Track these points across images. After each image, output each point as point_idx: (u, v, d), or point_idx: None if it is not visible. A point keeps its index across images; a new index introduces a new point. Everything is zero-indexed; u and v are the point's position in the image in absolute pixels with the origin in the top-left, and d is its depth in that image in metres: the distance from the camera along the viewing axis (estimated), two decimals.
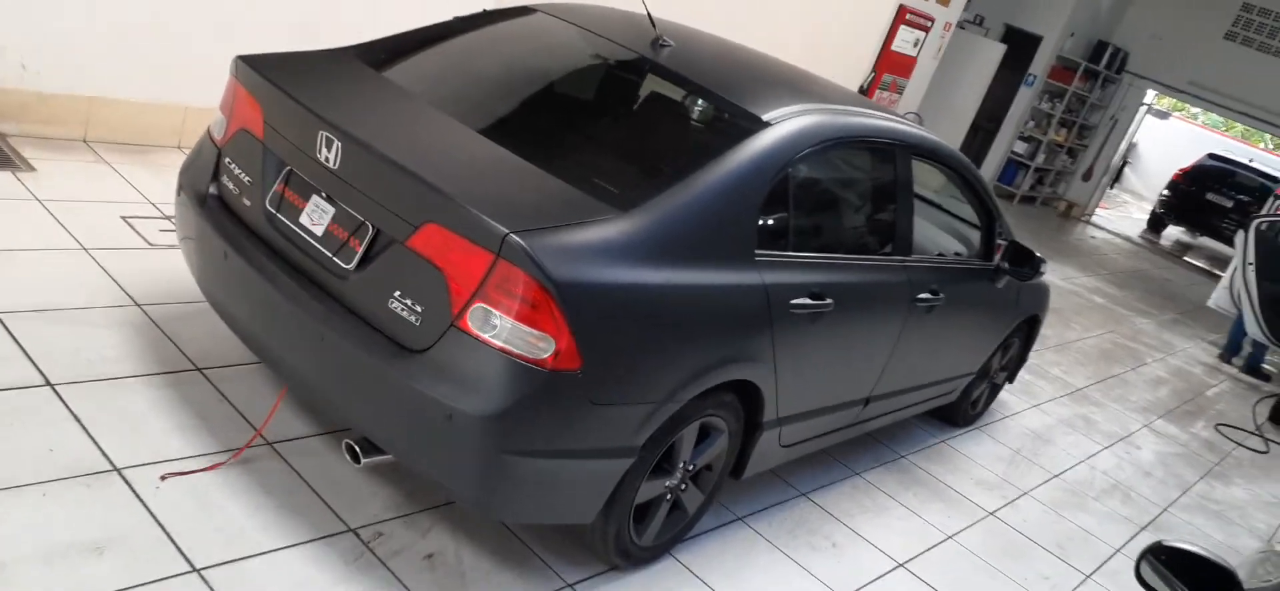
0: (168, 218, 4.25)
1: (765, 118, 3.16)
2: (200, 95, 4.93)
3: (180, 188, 3.24)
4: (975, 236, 4.62)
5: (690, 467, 3.10)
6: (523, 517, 2.67)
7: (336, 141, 2.70)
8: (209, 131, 3.25)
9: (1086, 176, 15.76)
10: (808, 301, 3.24)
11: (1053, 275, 10.14)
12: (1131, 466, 5.58)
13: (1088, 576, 4.11)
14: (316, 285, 2.75)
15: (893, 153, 3.77)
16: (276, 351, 2.87)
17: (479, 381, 2.47)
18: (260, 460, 2.96)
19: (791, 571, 3.39)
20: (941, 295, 4.10)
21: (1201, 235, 18.11)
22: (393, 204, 2.63)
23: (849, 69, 9.52)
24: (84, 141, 4.75)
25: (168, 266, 3.84)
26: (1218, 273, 15.06)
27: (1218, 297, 9.40)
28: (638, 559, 3.09)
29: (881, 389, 4.02)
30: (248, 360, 3.41)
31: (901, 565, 3.67)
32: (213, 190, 3.11)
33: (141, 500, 2.63)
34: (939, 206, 4.92)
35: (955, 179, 4.38)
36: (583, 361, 2.51)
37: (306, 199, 2.84)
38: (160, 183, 4.56)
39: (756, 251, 3.06)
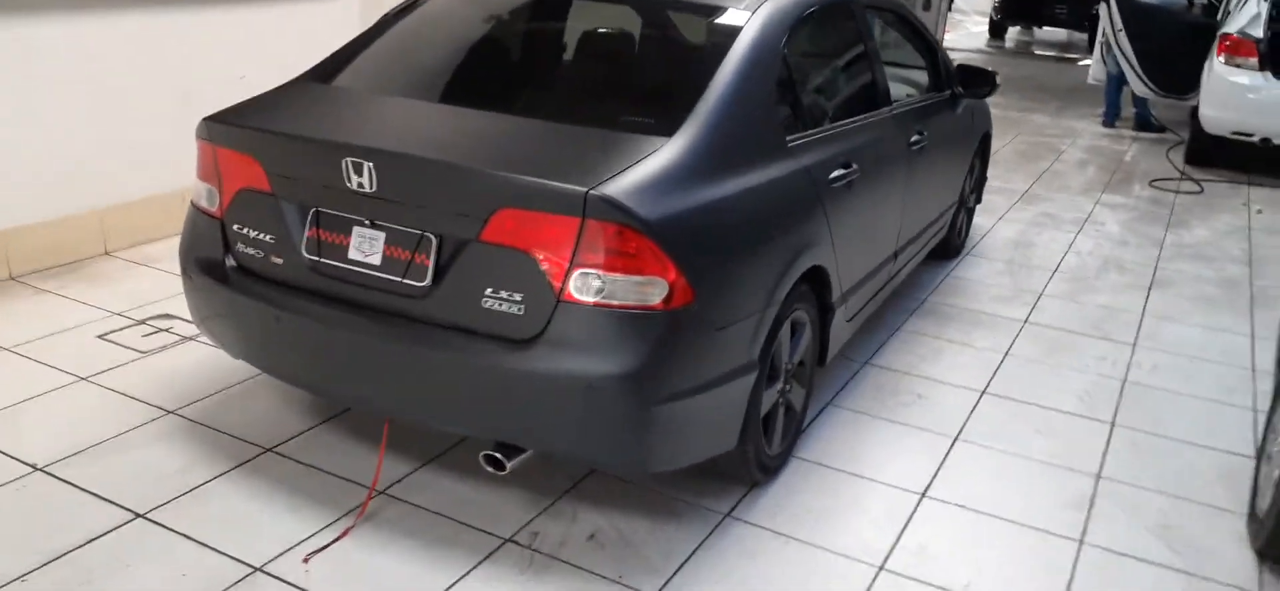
0: (142, 322, 3.97)
1: (744, 6, 3.14)
2: (107, 194, 4.72)
3: (187, 271, 3.03)
4: (924, 71, 4.72)
5: (789, 367, 3.10)
6: (675, 463, 2.63)
7: (367, 164, 2.55)
8: (196, 207, 3.03)
9: (925, 7, 16.23)
10: (841, 172, 3.26)
11: None
12: (1107, 240, 5.86)
13: (1134, 345, 4.32)
14: (394, 315, 2.61)
15: (852, 10, 3.82)
16: (368, 394, 2.73)
17: (606, 345, 2.40)
18: (383, 510, 2.81)
19: (899, 432, 3.44)
20: (927, 133, 4.19)
21: (1038, 27, 19.02)
22: (451, 205, 2.51)
23: None
24: (11, 278, 4.37)
25: (172, 366, 3.60)
26: (1069, 56, 15.86)
27: (1096, 72, 9.90)
28: (773, 470, 3.08)
29: (903, 238, 4.10)
30: (309, 424, 3.23)
31: (985, 392, 3.78)
32: (231, 262, 2.91)
33: (297, 588, 2.48)
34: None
35: (892, 20, 4.46)
36: (695, 292, 2.47)
37: (348, 233, 2.67)
38: (107, 292, 4.25)
39: (787, 138, 3.05)
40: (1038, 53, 16.36)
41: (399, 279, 2.58)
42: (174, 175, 4.96)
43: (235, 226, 2.88)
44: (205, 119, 2.93)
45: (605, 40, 3.42)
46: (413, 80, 3.27)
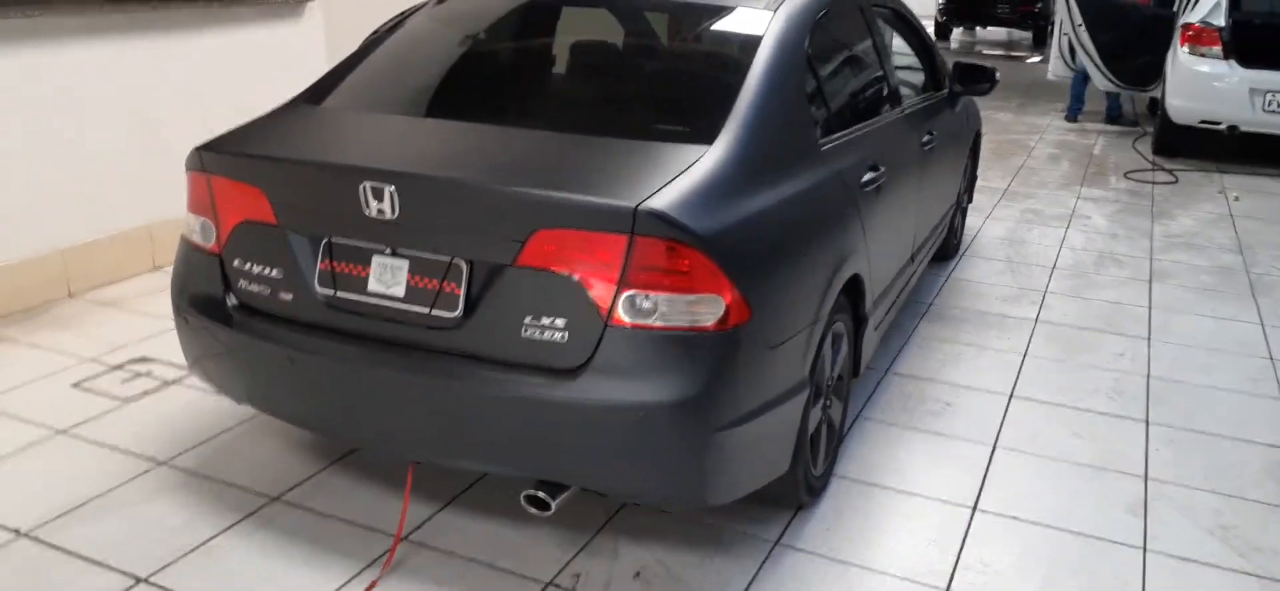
0: (118, 368, 3.70)
1: (762, 5, 3.01)
2: (67, 234, 4.42)
3: (181, 311, 2.80)
4: (922, 70, 4.63)
5: (830, 382, 2.95)
6: (734, 494, 2.45)
7: (387, 187, 2.35)
8: (189, 243, 2.80)
9: None
10: (871, 175, 3.14)
11: None
12: (1097, 235, 5.82)
13: (1148, 339, 4.25)
14: (423, 349, 2.41)
15: (861, 8, 3.70)
16: (396, 436, 2.51)
17: (661, 370, 2.22)
18: (410, 559, 2.60)
19: (934, 442, 3.30)
20: (935, 133, 4.10)
21: (982, 28, 19.32)
22: (484, 229, 2.32)
23: None
24: None
25: (156, 413, 3.35)
26: (1014, 55, 16.06)
27: (1055, 69, 9.96)
28: (818, 491, 2.93)
29: (918, 241, 3.99)
30: (315, 469, 3.00)
31: (1012, 396, 3.66)
32: (232, 300, 2.68)
33: None
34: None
35: (892, 17, 4.36)
36: (751, 310, 2.30)
37: (366, 264, 2.47)
38: (77, 337, 3.97)
39: (820, 141, 2.92)
40: (985, 52, 16.53)
41: (427, 310, 2.38)
42: (138, 211, 4.70)
43: (236, 262, 2.65)
44: (198, 148, 2.71)
45: (626, 46, 3.26)
46: (423, 98, 3.09)
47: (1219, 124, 7.57)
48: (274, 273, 2.59)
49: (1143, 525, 2.86)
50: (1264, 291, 4.89)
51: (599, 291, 2.23)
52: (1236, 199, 6.74)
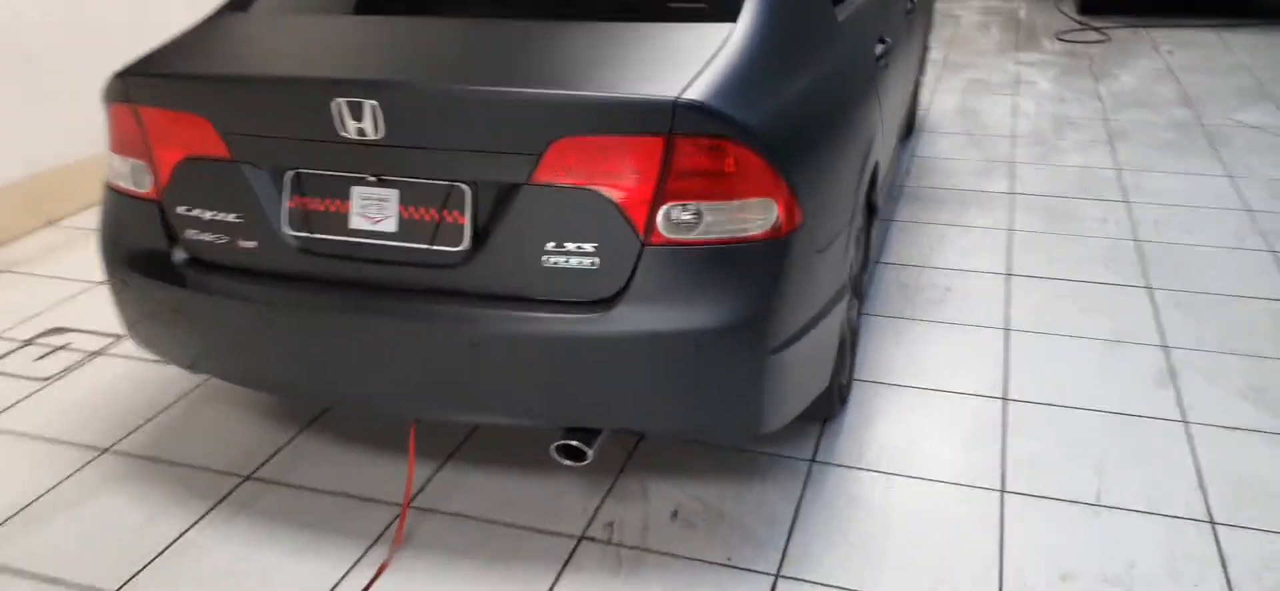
0: (28, 342, 3.26)
1: None
2: None
3: (116, 272, 2.39)
4: None
5: (854, 281, 2.73)
6: (787, 417, 2.19)
7: (368, 102, 1.99)
8: (116, 190, 2.38)
9: None
10: (881, 48, 2.88)
11: None
12: (1047, 101, 5.71)
13: (1126, 202, 4.15)
14: (423, 292, 2.09)
15: None
16: (397, 395, 2.18)
17: (711, 290, 1.95)
18: (420, 528, 2.31)
19: (945, 332, 3.13)
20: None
21: None
22: (490, 143, 1.98)
23: None
24: None
25: (85, 391, 2.95)
26: None
27: None
28: (846, 399, 2.73)
29: (902, 116, 3.77)
30: (284, 438, 2.67)
31: (1010, 275, 3.51)
32: (181, 255, 2.30)
33: None
34: None
35: None
36: (803, 212, 2.04)
37: (346, 197, 2.12)
38: None
39: (835, 12, 2.63)
40: None
41: (426, 245, 2.05)
42: (19, 160, 4.16)
43: (180, 208, 2.26)
44: (118, 73, 2.28)
45: None
46: None
47: None
48: (230, 217, 2.22)
49: (1176, 396, 2.75)
50: (1223, 144, 4.85)
51: (633, 205, 1.93)
52: (1171, 53, 6.72)
